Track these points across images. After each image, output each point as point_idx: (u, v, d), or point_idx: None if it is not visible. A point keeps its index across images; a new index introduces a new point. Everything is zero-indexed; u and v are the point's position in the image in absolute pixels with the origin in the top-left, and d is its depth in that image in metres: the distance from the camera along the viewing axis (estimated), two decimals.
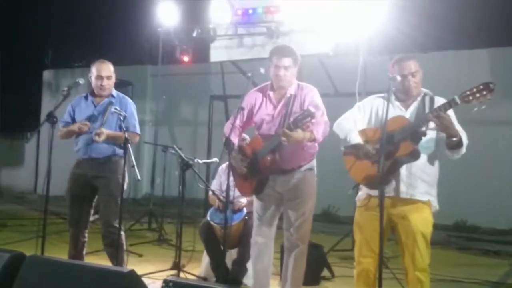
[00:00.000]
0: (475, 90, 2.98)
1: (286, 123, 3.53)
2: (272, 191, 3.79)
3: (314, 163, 3.84)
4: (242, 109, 3.76)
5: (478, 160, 7.75)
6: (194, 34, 7.29)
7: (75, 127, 4.46)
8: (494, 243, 7.20)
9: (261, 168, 3.69)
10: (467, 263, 6.14)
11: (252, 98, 3.87)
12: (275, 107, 3.79)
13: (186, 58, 7.98)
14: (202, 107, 9.91)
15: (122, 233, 4.36)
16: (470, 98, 2.98)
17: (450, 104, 3.08)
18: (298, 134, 3.44)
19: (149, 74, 11.44)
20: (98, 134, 4.32)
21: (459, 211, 8.08)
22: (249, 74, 3.84)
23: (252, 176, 3.77)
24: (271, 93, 3.82)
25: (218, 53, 7.11)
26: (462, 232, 7.95)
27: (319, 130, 3.56)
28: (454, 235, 7.69)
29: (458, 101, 3.03)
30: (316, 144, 3.78)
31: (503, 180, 8.06)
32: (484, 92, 2.96)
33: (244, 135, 4.19)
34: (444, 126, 3.10)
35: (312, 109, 3.38)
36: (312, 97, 3.70)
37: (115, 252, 4.31)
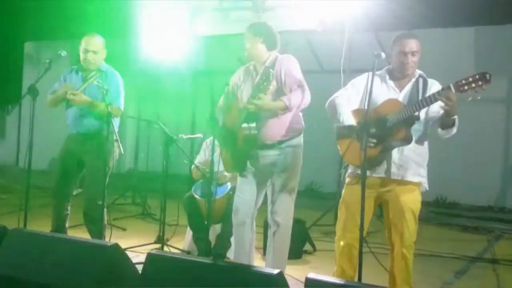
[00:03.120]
0: (470, 79, 2.89)
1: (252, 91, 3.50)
2: (254, 168, 3.78)
3: (298, 141, 3.77)
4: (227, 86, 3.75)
5: (459, 138, 7.82)
6: None
7: (62, 91, 4.40)
8: (473, 219, 7.32)
9: (237, 139, 3.67)
10: (446, 239, 6.25)
11: (237, 76, 3.87)
12: (254, 79, 3.77)
13: None
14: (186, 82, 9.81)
15: (105, 208, 4.35)
16: (465, 87, 2.90)
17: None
18: (263, 101, 3.42)
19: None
20: (73, 94, 4.29)
21: (439, 188, 8.18)
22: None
23: (232, 150, 3.76)
24: (251, 66, 3.82)
25: (202, 27, 7.03)
26: (442, 208, 8.09)
27: (291, 98, 3.50)
28: (434, 211, 7.82)
29: (452, 89, 2.94)
30: (301, 120, 3.77)
31: (483, 158, 8.17)
32: (480, 82, 2.87)
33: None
34: (451, 107, 3.02)
35: (270, 70, 3.33)
36: (287, 65, 3.63)
37: (96, 228, 4.32)
